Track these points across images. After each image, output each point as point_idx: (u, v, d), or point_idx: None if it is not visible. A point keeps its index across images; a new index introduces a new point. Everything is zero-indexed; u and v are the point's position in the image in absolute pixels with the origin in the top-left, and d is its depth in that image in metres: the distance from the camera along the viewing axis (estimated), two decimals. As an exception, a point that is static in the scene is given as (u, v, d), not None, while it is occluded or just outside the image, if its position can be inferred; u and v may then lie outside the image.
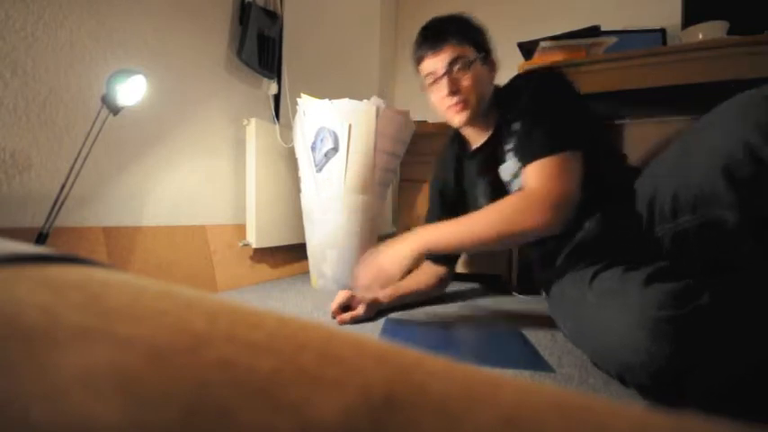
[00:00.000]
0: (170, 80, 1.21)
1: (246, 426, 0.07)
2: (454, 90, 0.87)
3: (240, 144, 1.47)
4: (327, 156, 1.24)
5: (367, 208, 1.29)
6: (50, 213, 0.82)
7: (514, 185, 0.91)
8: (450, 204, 1.08)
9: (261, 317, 0.11)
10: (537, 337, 0.84)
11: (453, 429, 0.08)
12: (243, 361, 0.09)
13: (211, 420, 0.07)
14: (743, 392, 0.54)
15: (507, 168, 0.91)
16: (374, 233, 1.35)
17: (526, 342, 0.80)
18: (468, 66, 0.86)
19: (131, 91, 0.89)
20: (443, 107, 0.90)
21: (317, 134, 1.24)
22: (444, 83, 0.87)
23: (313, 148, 1.26)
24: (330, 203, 1.26)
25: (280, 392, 0.08)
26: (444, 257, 1.11)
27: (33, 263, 0.14)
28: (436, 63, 0.87)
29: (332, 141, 1.23)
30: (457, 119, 0.90)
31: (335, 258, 1.28)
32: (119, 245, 1.05)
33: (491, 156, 0.95)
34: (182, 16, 1.26)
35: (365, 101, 1.23)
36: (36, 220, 0.86)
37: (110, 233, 1.04)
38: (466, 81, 0.87)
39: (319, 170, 1.26)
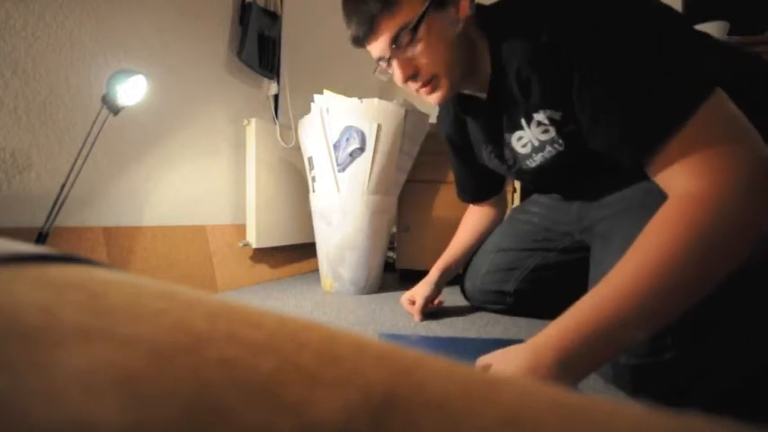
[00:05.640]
0: (170, 80, 1.22)
1: (247, 425, 0.07)
2: (411, 74, 0.67)
3: (240, 144, 1.47)
4: (353, 155, 1.21)
5: (387, 209, 1.28)
6: (50, 213, 0.83)
7: (533, 161, 0.74)
8: (473, 159, 0.94)
9: (261, 316, 0.11)
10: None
11: (453, 429, 0.08)
12: (243, 360, 0.09)
13: (212, 420, 0.07)
14: (743, 394, 0.54)
15: (523, 139, 0.72)
16: (388, 234, 1.35)
17: None
18: (415, 33, 0.64)
19: (132, 91, 0.89)
20: (411, 90, 0.72)
21: (343, 133, 1.21)
22: (396, 67, 0.67)
23: (336, 147, 1.23)
24: (352, 204, 1.24)
25: (280, 392, 0.08)
26: (480, 195, 1.06)
27: (33, 262, 0.14)
28: (378, 47, 0.68)
29: (358, 141, 1.20)
30: (432, 100, 0.71)
31: (355, 260, 1.26)
32: (119, 245, 1.05)
33: (497, 119, 0.75)
34: (182, 16, 1.26)
35: (394, 101, 1.23)
36: (36, 220, 0.86)
37: (110, 233, 1.04)
38: (421, 57, 0.65)
39: (342, 170, 1.23)
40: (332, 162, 1.24)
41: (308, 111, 1.29)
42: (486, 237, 1.08)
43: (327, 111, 1.22)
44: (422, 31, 0.64)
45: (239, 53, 1.45)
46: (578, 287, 0.74)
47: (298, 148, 1.46)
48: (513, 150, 0.76)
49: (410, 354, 0.10)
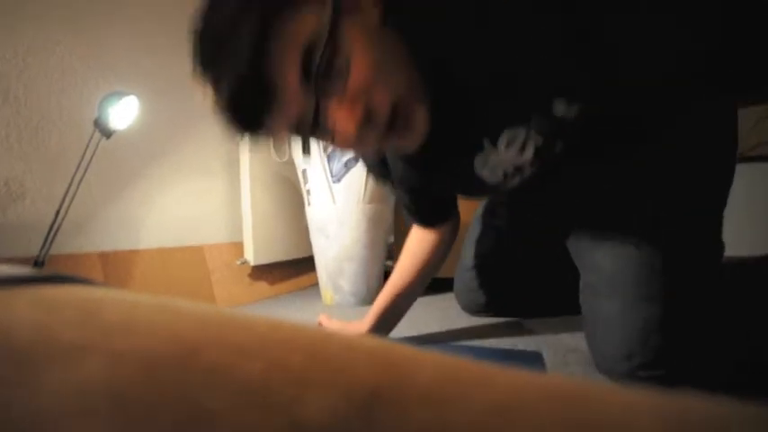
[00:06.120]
0: (162, 101, 1.22)
1: (236, 429, 0.07)
2: (364, 115, 0.41)
3: (234, 161, 1.47)
4: (348, 166, 1.22)
5: (383, 218, 1.28)
6: (45, 241, 0.82)
7: (506, 185, 0.57)
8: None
9: (253, 321, 0.11)
10: (541, 335, 0.84)
11: (442, 417, 0.08)
12: (233, 365, 0.09)
13: (201, 428, 0.08)
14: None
15: (490, 163, 0.54)
16: (386, 243, 1.35)
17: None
18: (334, 38, 0.39)
19: (124, 113, 0.89)
20: (377, 145, 0.45)
21: None
22: (335, 116, 0.41)
23: (331, 158, 1.24)
24: (348, 215, 1.24)
25: (268, 394, 0.08)
26: (435, 219, 0.77)
27: (29, 284, 0.14)
28: (286, 101, 0.40)
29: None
30: (413, 140, 0.45)
31: (354, 271, 1.26)
32: (116, 269, 1.04)
33: (442, 148, 0.52)
34: (172, 37, 1.27)
35: None
36: (32, 249, 0.86)
37: (106, 258, 1.03)
38: (357, 74, 0.40)
39: (337, 181, 1.24)
40: (326, 173, 1.25)
41: (300, 125, 1.30)
42: (433, 271, 0.83)
43: (320, 123, 1.23)
44: (343, 38, 0.39)
45: (229, 72, 1.46)
46: (561, 273, 0.75)
47: (292, 162, 1.46)
48: (476, 177, 0.57)
49: (400, 349, 0.10)
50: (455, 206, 0.82)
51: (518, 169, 0.53)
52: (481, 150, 0.53)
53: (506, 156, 0.51)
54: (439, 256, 0.82)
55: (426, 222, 0.80)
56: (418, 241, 0.81)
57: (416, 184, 0.69)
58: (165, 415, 0.08)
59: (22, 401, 0.09)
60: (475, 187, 0.60)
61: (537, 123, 0.48)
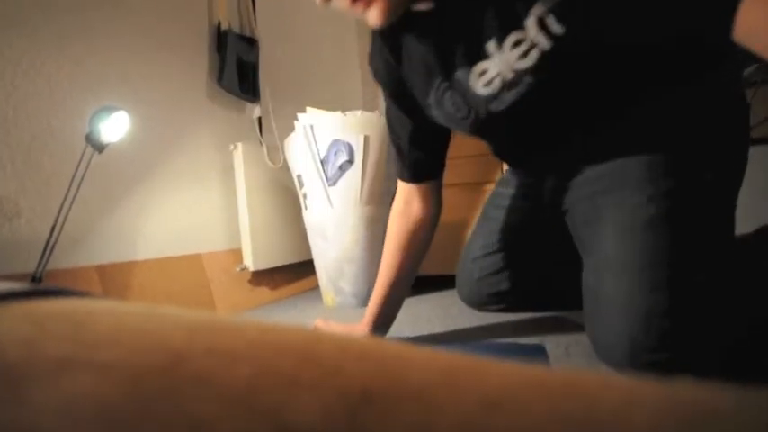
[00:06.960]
0: (153, 114, 1.22)
1: None
2: None
3: (228, 169, 1.47)
4: (342, 168, 1.23)
5: (381, 218, 1.29)
6: (42, 257, 0.82)
7: (502, 102, 0.58)
8: (414, 114, 0.73)
9: (242, 326, 0.11)
10: (543, 328, 0.84)
11: (433, 416, 0.08)
12: (220, 372, 0.09)
13: None
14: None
15: (489, 72, 0.57)
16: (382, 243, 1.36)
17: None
18: None
19: (114, 127, 0.89)
20: (351, 11, 0.55)
21: (330, 147, 1.23)
22: None
23: (325, 162, 1.25)
24: (346, 217, 1.25)
25: (256, 399, 0.08)
26: (424, 171, 0.80)
27: (18, 299, 0.14)
28: None
29: (347, 154, 1.22)
30: (372, 19, 0.52)
31: (354, 272, 1.27)
32: (114, 282, 1.04)
33: (448, 43, 0.58)
34: (160, 50, 1.27)
35: (376, 111, 1.24)
36: (30, 266, 0.86)
37: (104, 271, 1.03)
38: None
39: (333, 184, 1.25)
40: (321, 177, 1.25)
41: (292, 130, 1.30)
42: (420, 256, 0.85)
43: (312, 127, 1.24)
44: None
45: (219, 80, 1.46)
46: (565, 266, 0.74)
47: (287, 168, 1.46)
48: (470, 93, 0.59)
49: (392, 347, 0.10)
50: (441, 166, 0.82)
51: (517, 76, 0.55)
52: (486, 57, 0.56)
53: (510, 56, 0.54)
54: (421, 238, 0.81)
55: (412, 174, 0.80)
56: (401, 225, 0.82)
57: (422, 102, 0.69)
58: (152, 425, 0.08)
59: (10, 418, 0.08)
60: (466, 107, 0.62)
61: (533, 30, 0.51)
